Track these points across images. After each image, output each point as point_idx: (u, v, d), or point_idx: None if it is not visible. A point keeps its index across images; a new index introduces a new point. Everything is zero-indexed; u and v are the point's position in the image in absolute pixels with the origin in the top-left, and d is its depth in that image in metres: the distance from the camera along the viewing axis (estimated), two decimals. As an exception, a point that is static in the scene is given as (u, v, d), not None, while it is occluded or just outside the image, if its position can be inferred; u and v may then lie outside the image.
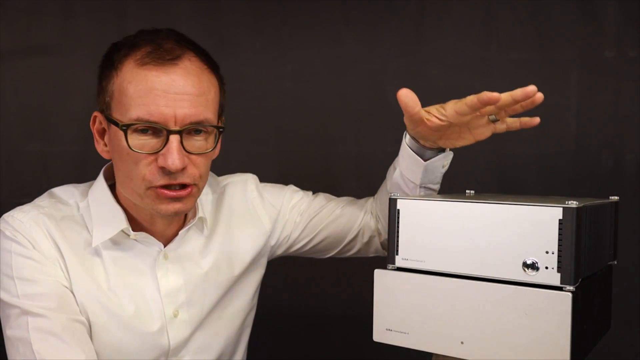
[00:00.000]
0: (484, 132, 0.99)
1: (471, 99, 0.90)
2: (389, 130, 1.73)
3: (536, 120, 0.96)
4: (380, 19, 1.73)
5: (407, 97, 0.93)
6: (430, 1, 1.71)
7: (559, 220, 0.78)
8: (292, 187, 1.23)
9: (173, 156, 0.90)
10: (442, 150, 1.05)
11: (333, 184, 1.75)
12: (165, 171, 0.92)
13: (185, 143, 0.92)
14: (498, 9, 1.68)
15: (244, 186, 1.17)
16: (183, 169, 0.93)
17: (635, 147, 1.65)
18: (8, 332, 0.94)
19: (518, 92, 0.88)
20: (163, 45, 0.93)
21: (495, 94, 0.87)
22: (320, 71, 1.75)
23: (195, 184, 0.97)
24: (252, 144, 1.75)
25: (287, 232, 1.19)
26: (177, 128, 0.91)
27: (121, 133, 0.92)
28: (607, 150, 1.67)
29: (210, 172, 1.13)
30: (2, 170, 1.74)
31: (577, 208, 0.77)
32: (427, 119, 0.95)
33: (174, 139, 0.91)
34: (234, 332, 1.14)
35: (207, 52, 1.00)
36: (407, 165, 1.06)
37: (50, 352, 0.90)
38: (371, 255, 1.22)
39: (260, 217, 1.16)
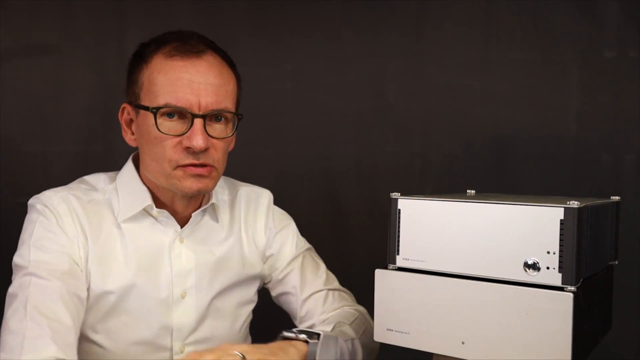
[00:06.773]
0: None
1: None
2: (388, 130, 1.72)
3: None
4: (380, 19, 1.72)
5: None
6: (430, 1, 1.70)
7: (561, 220, 0.78)
8: (296, 230, 1.24)
9: (198, 137, 1.00)
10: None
11: (333, 184, 1.75)
12: (190, 151, 1.01)
13: (207, 128, 1.02)
14: (498, 9, 1.68)
15: (257, 197, 1.21)
16: (206, 150, 1.02)
17: (635, 147, 1.65)
18: (10, 290, 0.99)
19: None
20: (188, 41, 1.04)
21: None
22: (320, 71, 1.75)
23: (214, 167, 1.05)
24: (252, 144, 1.75)
25: (275, 261, 1.20)
26: (200, 113, 1.01)
27: (150, 117, 1.01)
28: (607, 150, 1.67)
29: (227, 177, 1.20)
30: (2, 170, 1.73)
31: (579, 208, 0.77)
32: None
33: (198, 122, 1.01)
34: (239, 327, 1.17)
35: (226, 52, 1.09)
36: None
37: (41, 299, 0.95)
38: None
39: (260, 229, 1.19)
